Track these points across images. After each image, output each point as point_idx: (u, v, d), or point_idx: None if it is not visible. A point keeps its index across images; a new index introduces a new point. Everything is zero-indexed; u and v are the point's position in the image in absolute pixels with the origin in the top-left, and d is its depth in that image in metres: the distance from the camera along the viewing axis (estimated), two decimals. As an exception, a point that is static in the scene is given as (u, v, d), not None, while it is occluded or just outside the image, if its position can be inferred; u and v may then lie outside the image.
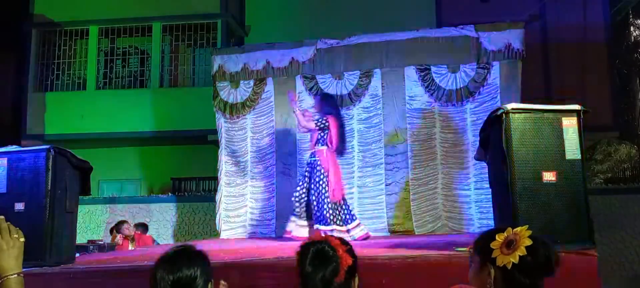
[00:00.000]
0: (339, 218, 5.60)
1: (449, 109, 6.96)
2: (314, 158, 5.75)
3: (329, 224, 5.50)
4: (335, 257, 1.73)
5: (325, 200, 5.55)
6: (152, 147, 11.77)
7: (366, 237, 5.69)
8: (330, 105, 5.96)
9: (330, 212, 5.54)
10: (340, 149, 5.90)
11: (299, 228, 5.71)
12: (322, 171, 5.63)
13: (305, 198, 5.74)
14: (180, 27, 11.52)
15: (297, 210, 5.76)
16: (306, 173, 5.81)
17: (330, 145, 5.72)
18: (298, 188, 5.85)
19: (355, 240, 5.47)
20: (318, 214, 5.56)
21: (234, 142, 7.59)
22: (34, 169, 3.92)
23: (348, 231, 5.54)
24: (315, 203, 5.59)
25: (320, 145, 5.73)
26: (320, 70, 7.36)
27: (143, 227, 8.17)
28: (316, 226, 5.53)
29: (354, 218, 5.76)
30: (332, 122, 5.72)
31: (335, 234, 5.35)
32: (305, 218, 5.76)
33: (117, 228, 7.61)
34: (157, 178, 11.77)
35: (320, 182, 5.61)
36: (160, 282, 1.60)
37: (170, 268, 1.62)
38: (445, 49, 7.00)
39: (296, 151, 7.31)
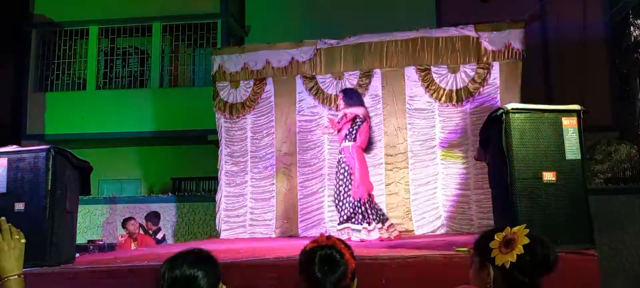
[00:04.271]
0: (361, 216, 5.46)
1: (449, 109, 6.96)
2: (340, 155, 5.71)
3: (360, 223, 5.42)
4: (343, 261, 1.76)
5: (348, 198, 5.51)
6: (152, 147, 11.77)
7: (391, 239, 5.51)
8: (359, 100, 5.88)
9: (353, 209, 5.47)
10: (367, 146, 5.89)
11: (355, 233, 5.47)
12: (347, 168, 5.58)
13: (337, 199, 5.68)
14: (180, 27, 11.53)
15: (341, 213, 5.64)
16: (336, 172, 5.76)
17: (357, 141, 5.63)
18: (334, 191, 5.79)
19: (378, 240, 5.37)
20: (345, 213, 5.52)
21: (234, 142, 7.59)
22: (34, 169, 3.92)
23: (369, 232, 5.41)
24: (340, 201, 5.56)
25: (347, 141, 5.64)
26: (320, 70, 7.36)
27: (155, 216, 8.07)
28: (346, 225, 5.46)
29: (381, 218, 5.60)
30: (366, 118, 5.70)
31: (360, 233, 5.34)
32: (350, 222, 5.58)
33: (123, 224, 7.56)
34: (157, 178, 11.78)
35: (344, 179, 5.56)
36: (161, 279, 1.63)
37: (171, 266, 1.64)
38: (445, 49, 7.01)
39: (296, 151, 7.32)
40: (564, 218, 3.56)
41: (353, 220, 5.49)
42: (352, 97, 5.81)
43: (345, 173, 5.58)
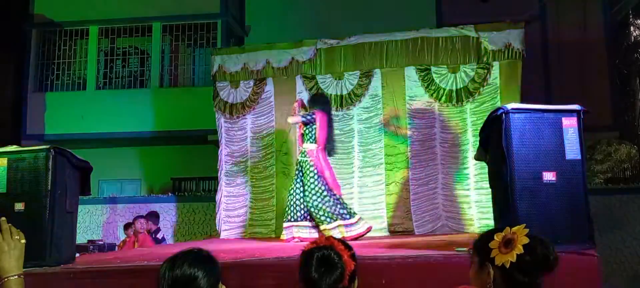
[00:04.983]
0: (339, 214, 5.49)
1: (449, 109, 6.96)
2: (304, 158, 5.68)
3: (331, 222, 5.43)
4: (341, 262, 1.75)
5: (324, 199, 5.49)
6: (152, 147, 11.77)
7: (368, 230, 5.59)
8: (319, 102, 5.93)
9: (332, 208, 5.47)
10: (329, 148, 5.86)
11: (301, 231, 5.60)
12: (315, 171, 5.56)
13: (300, 201, 5.66)
14: (180, 27, 11.53)
15: (293, 214, 5.66)
16: (297, 174, 5.74)
17: (318, 143, 5.65)
18: (291, 191, 5.78)
19: (357, 234, 5.42)
20: (320, 215, 5.47)
21: (234, 142, 7.59)
22: (34, 169, 3.91)
23: (347, 226, 5.44)
24: (314, 203, 5.50)
25: (309, 142, 5.67)
26: (320, 70, 7.36)
27: (154, 216, 8.06)
28: (323, 227, 5.43)
29: (354, 214, 5.64)
30: (319, 117, 5.66)
31: (338, 231, 5.33)
32: (302, 220, 5.65)
33: (133, 222, 7.55)
34: (157, 178, 11.78)
35: (316, 182, 5.53)
36: (161, 279, 1.63)
37: (172, 265, 1.64)
38: (445, 49, 7.00)
39: (296, 151, 7.31)
40: (564, 218, 3.55)
41: (342, 216, 5.47)
42: (318, 102, 5.90)
43: (316, 175, 5.55)
